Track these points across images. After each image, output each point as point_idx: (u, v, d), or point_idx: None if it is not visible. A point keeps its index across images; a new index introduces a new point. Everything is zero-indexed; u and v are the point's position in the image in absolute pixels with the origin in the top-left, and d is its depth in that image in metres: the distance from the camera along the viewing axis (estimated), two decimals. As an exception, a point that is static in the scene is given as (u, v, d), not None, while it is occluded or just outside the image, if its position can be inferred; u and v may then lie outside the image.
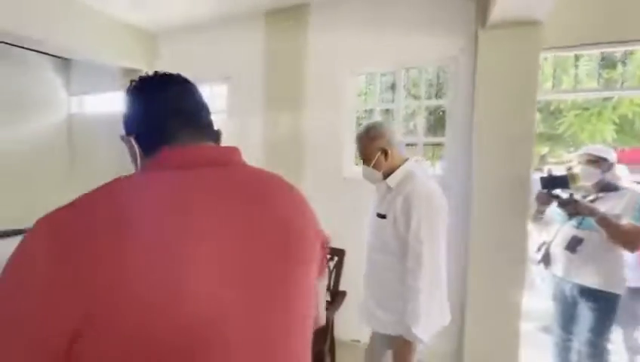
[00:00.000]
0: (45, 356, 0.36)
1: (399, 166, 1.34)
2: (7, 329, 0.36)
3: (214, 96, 3.06)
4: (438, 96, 2.36)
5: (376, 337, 1.44)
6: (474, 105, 2.01)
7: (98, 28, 2.71)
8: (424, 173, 1.41)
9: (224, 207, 0.48)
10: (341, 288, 2.12)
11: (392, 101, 2.28)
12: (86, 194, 0.44)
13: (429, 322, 1.21)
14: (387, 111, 2.55)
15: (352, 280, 1.98)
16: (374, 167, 1.34)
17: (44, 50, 2.97)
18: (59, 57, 3.49)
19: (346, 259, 2.17)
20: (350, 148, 2.46)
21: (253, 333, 0.45)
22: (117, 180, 0.46)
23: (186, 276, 0.39)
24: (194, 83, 0.61)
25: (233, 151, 0.58)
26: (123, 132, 0.59)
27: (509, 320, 1.99)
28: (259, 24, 2.64)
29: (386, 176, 1.35)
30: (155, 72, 0.59)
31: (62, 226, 0.39)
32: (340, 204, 2.45)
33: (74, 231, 0.38)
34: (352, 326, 2.08)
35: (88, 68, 3.43)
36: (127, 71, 3.06)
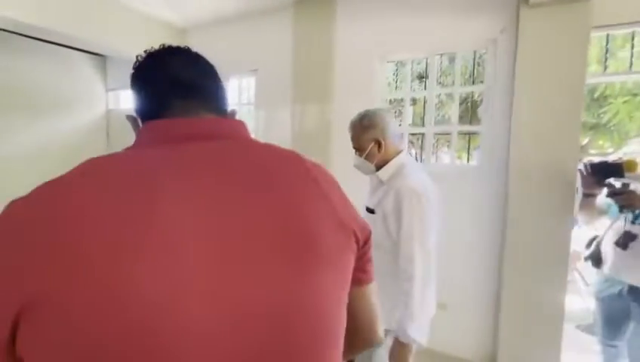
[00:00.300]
0: None
1: (392, 158, 1.28)
2: None
3: (242, 89, 3.08)
4: (471, 82, 2.23)
5: None
6: (514, 91, 1.88)
7: (132, 25, 2.80)
8: (417, 166, 1.37)
9: (208, 191, 0.39)
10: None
11: (425, 88, 2.19)
12: (54, 179, 0.40)
13: (424, 322, 1.18)
14: (415, 101, 2.46)
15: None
16: (367, 158, 1.28)
17: (83, 48, 3.12)
18: (96, 54, 3.66)
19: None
20: (379, 139, 2.41)
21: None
22: (87, 161, 0.41)
23: (139, 277, 0.33)
24: (201, 55, 0.56)
25: (236, 124, 0.50)
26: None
27: (549, 322, 1.88)
28: (287, 15, 2.61)
29: (379, 168, 1.29)
30: (161, 44, 0.55)
31: (20, 212, 0.37)
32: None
33: (31, 217, 0.35)
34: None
35: (123, 64, 3.56)
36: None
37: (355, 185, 2.41)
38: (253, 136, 0.52)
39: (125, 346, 0.32)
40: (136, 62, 0.54)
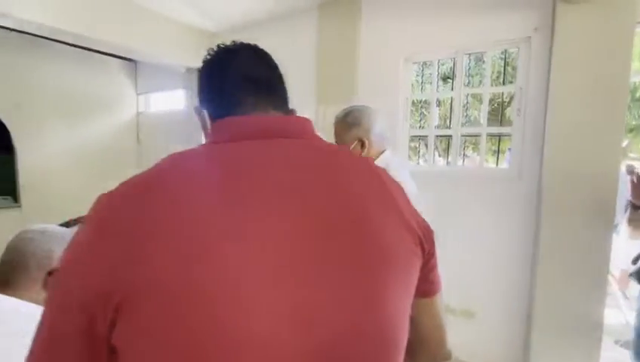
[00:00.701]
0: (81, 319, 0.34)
1: (375, 158, 1.25)
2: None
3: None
4: (501, 83, 2.15)
5: None
6: (549, 91, 1.79)
7: (165, 31, 2.90)
8: (401, 165, 1.33)
9: (285, 189, 0.39)
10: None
11: (452, 89, 2.13)
12: (143, 172, 0.41)
13: None
14: (440, 102, 2.39)
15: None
16: None
17: (117, 54, 3.26)
18: (128, 60, 3.82)
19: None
20: (404, 142, 2.36)
21: None
22: (171, 156, 0.43)
23: (231, 268, 0.34)
24: (268, 52, 0.56)
25: (304, 121, 0.49)
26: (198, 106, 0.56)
27: (585, 336, 1.77)
28: (311, 17, 2.62)
29: None
30: (233, 41, 0.55)
31: (116, 205, 0.38)
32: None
33: (129, 208, 0.37)
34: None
35: (153, 68, 3.70)
36: (190, 70, 3.25)
37: None
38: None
39: (211, 339, 0.32)
40: (206, 57, 0.54)
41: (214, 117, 0.50)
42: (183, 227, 0.34)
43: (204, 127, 0.53)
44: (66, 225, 1.90)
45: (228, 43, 0.55)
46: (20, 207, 3.09)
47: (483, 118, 2.12)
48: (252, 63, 0.52)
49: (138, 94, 4.00)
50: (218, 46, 0.55)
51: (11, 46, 3.01)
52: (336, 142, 1.31)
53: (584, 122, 1.71)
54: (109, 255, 0.34)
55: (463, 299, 2.19)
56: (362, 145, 1.24)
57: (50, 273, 0.84)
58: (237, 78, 0.51)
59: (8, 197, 3.11)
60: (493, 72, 2.60)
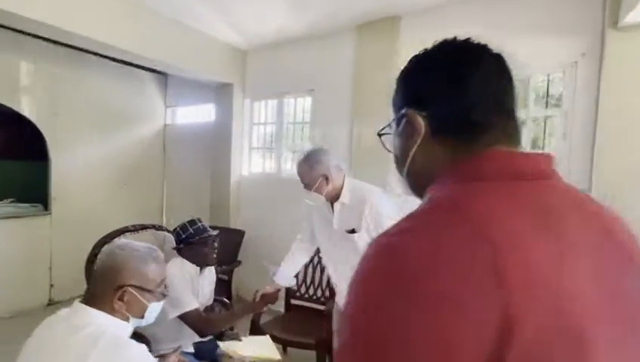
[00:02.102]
0: None
1: (342, 183, 1.47)
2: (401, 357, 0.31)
3: (298, 108, 3.16)
4: (544, 106, 2.14)
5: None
6: (597, 116, 1.78)
7: (199, 47, 2.98)
8: (370, 188, 1.54)
9: (578, 238, 0.36)
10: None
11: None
12: (433, 212, 0.37)
13: None
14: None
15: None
16: (316, 190, 1.43)
17: (149, 67, 3.33)
18: (159, 72, 3.92)
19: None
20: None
21: None
22: (453, 198, 0.38)
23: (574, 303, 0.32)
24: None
25: (552, 159, 0.43)
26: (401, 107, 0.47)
27: None
28: (348, 37, 2.68)
29: (333, 196, 1.47)
30: (467, 39, 0.47)
31: (457, 240, 0.33)
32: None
33: (474, 241, 0.32)
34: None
35: (182, 82, 3.78)
36: (220, 85, 3.32)
37: (415, 207, 2.35)
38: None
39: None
40: (434, 52, 0.48)
41: (447, 136, 0.43)
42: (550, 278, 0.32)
43: (409, 138, 0.45)
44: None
45: (460, 40, 0.47)
46: (49, 214, 3.12)
47: (526, 140, 2.10)
48: (498, 78, 0.44)
49: (167, 107, 4.08)
50: (445, 42, 0.47)
51: (58, 59, 3.11)
52: (304, 184, 1.48)
53: (634, 149, 1.69)
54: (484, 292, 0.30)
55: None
56: (327, 179, 1.42)
57: (117, 288, 0.85)
58: (485, 94, 0.42)
59: (39, 204, 3.14)
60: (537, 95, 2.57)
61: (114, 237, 1.94)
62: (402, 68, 0.52)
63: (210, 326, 1.52)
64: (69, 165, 3.23)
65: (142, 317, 0.92)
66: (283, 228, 3.06)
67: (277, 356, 1.45)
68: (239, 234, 3.07)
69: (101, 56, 3.31)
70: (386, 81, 2.48)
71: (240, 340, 1.54)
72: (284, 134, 3.19)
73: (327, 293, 2.48)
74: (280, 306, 2.52)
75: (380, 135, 0.60)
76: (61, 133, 3.16)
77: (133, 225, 2.08)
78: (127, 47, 2.53)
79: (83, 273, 3.13)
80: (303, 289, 2.57)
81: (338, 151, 2.74)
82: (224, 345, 1.46)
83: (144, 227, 2.12)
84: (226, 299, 2.09)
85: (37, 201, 3.16)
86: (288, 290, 2.57)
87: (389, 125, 0.54)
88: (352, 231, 1.47)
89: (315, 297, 2.53)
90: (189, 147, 3.86)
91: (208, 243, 1.63)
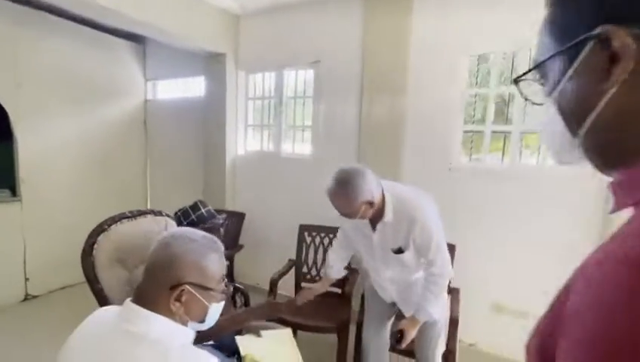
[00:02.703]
0: None
1: (383, 202, 1.33)
2: None
3: (299, 80, 2.94)
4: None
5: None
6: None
7: (185, 10, 2.64)
8: (396, 187, 1.44)
9: None
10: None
11: (512, 83, 2.06)
12: None
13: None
14: (501, 99, 2.32)
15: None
16: (360, 217, 1.32)
17: (127, 29, 2.87)
18: (136, 42, 3.51)
19: (457, 254, 2.01)
20: (457, 138, 2.28)
21: None
22: None
23: None
24: None
25: None
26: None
27: None
28: (355, 5, 2.47)
29: (376, 216, 1.35)
30: None
31: None
32: (444, 196, 2.28)
33: None
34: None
35: (164, 53, 3.42)
36: (210, 55, 3.00)
37: (427, 184, 2.28)
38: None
39: None
40: None
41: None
42: None
43: (602, 75, 0.31)
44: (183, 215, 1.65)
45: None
46: (19, 200, 2.76)
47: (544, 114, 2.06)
48: None
49: (147, 80, 3.69)
50: None
51: (18, 19, 2.66)
52: (342, 212, 1.32)
53: None
54: None
55: (517, 299, 2.15)
56: (371, 204, 1.29)
57: (173, 287, 0.70)
58: None
59: (5, 190, 2.77)
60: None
61: (110, 225, 1.72)
62: None
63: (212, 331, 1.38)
64: (38, 144, 2.85)
65: (202, 321, 0.77)
66: (283, 211, 2.92)
67: (298, 358, 1.35)
68: (240, 216, 2.89)
69: (70, 19, 2.89)
70: (399, 55, 2.33)
71: (259, 335, 1.41)
72: (284, 110, 2.98)
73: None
74: (289, 290, 2.42)
75: (517, 80, 0.44)
76: (27, 108, 2.76)
77: (131, 211, 1.85)
78: (104, 1, 2.13)
79: (61, 264, 2.86)
80: (314, 272, 2.47)
81: (345, 132, 2.60)
82: (241, 341, 1.34)
83: (142, 213, 1.90)
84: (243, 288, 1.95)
85: (3, 186, 2.78)
86: (297, 273, 2.47)
87: (540, 65, 0.39)
88: (399, 251, 1.39)
89: (326, 280, 2.44)
90: (176, 124, 3.55)
91: (215, 229, 1.47)
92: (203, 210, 1.48)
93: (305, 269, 2.48)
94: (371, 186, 1.28)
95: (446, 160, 2.28)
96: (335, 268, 1.65)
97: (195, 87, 3.40)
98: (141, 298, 0.71)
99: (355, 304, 2.08)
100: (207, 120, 3.18)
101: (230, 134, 3.09)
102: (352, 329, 1.96)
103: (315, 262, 2.49)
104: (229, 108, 3.05)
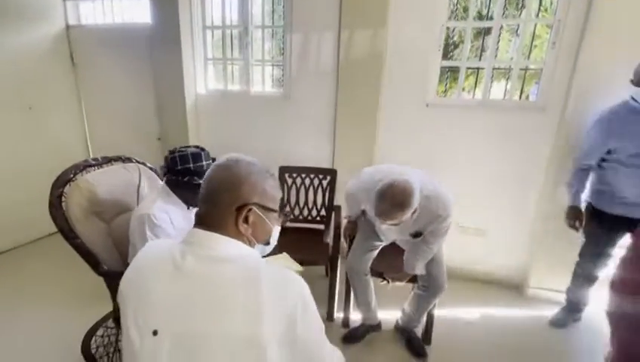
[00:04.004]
0: None
1: (417, 205, 1.43)
2: None
3: (266, 7, 2.63)
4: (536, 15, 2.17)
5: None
6: (587, 23, 1.91)
7: None
8: (431, 186, 1.53)
9: None
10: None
11: (490, 18, 2.10)
12: None
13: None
14: (479, 32, 2.36)
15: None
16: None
17: None
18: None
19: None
20: (435, 73, 2.32)
21: None
22: None
23: None
24: None
25: None
26: None
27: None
28: None
29: None
30: None
31: None
32: (421, 132, 2.39)
33: None
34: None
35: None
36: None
37: (404, 120, 2.31)
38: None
39: None
40: None
41: None
42: None
43: None
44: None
45: None
46: None
47: (513, 50, 2.19)
48: None
49: (65, 0, 2.97)
50: None
51: None
52: (389, 222, 1.42)
53: (620, 55, 1.83)
54: None
55: (477, 220, 2.47)
56: (414, 212, 1.42)
57: (240, 208, 0.69)
58: None
59: None
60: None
61: (76, 174, 1.50)
62: None
63: None
64: None
65: (267, 243, 0.79)
66: (258, 154, 2.79)
67: (299, 267, 1.44)
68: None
69: None
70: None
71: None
72: (250, 42, 2.69)
73: (323, 212, 2.48)
74: (274, 231, 2.45)
75: None
76: None
77: (95, 158, 1.64)
78: None
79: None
80: (296, 211, 2.51)
81: (320, 66, 2.48)
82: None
83: (108, 160, 1.69)
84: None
85: None
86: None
87: None
88: (417, 235, 1.61)
89: (310, 218, 2.51)
90: (115, 59, 3.00)
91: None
92: (205, 162, 1.33)
93: (287, 210, 2.50)
94: (417, 198, 1.38)
95: (423, 96, 2.34)
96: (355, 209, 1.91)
97: (137, 11, 2.85)
98: (206, 224, 0.69)
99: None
100: (158, 53, 2.75)
101: (188, 70, 2.74)
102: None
103: (297, 203, 2.51)
104: (184, 40, 2.66)
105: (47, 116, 2.95)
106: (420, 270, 1.70)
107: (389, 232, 1.76)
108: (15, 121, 2.74)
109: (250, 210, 0.69)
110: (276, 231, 0.80)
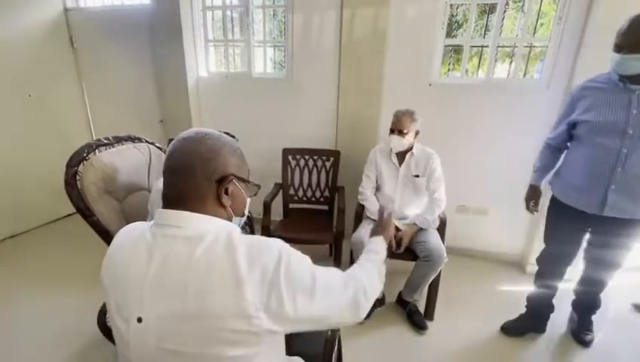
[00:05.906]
0: None
1: (414, 143, 1.96)
2: None
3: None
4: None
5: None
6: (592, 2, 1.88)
7: None
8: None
9: None
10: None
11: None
12: None
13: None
14: (483, 10, 2.32)
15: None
16: (406, 138, 1.89)
17: None
18: None
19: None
20: (438, 52, 2.30)
21: None
22: None
23: None
24: None
25: None
26: None
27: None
28: None
29: (406, 148, 1.94)
30: None
31: None
32: (424, 112, 2.38)
33: None
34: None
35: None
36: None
37: (407, 100, 2.30)
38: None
39: None
40: None
41: None
42: None
43: None
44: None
45: None
46: None
47: (519, 29, 2.16)
48: None
49: (62, -19, 2.92)
50: None
51: None
52: (398, 128, 1.89)
53: None
54: None
55: (479, 199, 2.50)
56: (416, 134, 1.94)
57: (219, 180, 0.68)
58: None
59: None
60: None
61: (89, 153, 1.52)
62: None
63: None
64: None
65: (243, 214, 0.77)
66: (262, 136, 2.82)
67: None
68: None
69: None
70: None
71: None
72: (252, 22, 2.66)
73: (327, 193, 2.51)
74: (278, 214, 2.49)
75: None
76: None
77: (107, 138, 1.65)
78: None
79: None
80: (300, 193, 2.54)
81: (322, 46, 2.46)
82: None
83: (119, 139, 1.71)
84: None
85: None
86: (285, 195, 2.52)
87: None
88: (417, 176, 1.97)
89: (314, 199, 2.54)
90: (114, 41, 2.97)
91: None
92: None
93: (292, 191, 2.53)
94: (419, 123, 1.93)
95: (427, 75, 2.33)
96: (372, 198, 2.08)
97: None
98: (178, 203, 0.66)
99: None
100: (157, 35, 2.73)
101: (189, 52, 2.72)
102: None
103: (301, 184, 2.54)
104: (184, 21, 2.63)
105: (49, 102, 2.95)
106: (434, 224, 1.93)
107: (398, 184, 2.02)
108: (16, 107, 2.74)
109: (230, 180, 0.68)
110: (249, 202, 0.78)
